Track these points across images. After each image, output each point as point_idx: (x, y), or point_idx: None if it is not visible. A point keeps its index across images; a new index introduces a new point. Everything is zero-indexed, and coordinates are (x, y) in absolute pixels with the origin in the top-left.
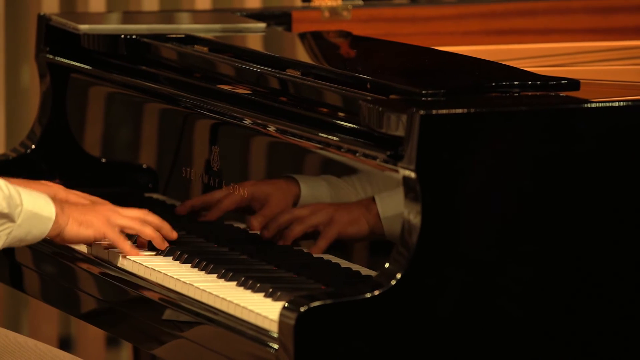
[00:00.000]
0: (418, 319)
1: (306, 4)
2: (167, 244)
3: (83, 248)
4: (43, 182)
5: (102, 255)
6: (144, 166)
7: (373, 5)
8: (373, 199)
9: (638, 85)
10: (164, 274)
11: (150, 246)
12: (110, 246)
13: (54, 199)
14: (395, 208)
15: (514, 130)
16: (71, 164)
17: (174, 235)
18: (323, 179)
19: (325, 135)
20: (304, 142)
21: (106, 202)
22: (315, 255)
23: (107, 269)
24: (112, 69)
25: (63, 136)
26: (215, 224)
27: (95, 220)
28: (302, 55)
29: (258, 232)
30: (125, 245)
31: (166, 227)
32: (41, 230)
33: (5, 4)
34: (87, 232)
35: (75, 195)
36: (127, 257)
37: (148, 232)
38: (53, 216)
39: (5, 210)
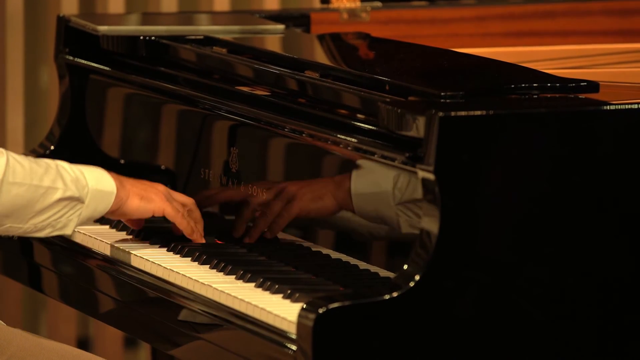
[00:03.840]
0: (436, 321)
1: (325, 6)
2: (202, 240)
3: (101, 248)
4: None
5: (120, 256)
6: (162, 167)
7: (392, 7)
8: (349, 176)
9: None
10: (183, 274)
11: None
12: (123, 241)
13: (110, 173)
14: (368, 187)
15: (532, 132)
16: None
17: (201, 240)
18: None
19: (343, 137)
20: (322, 143)
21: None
22: (333, 257)
23: (125, 269)
24: (131, 70)
25: (82, 137)
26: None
27: (155, 196)
28: (320, 56)
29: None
30: (184, 222)
31: (200, 228)
32: (105, 204)
33: (25, 5)
34: (148, 207)
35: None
36: (145, 258)
37: (185, 226)
38: (115, 190)
39: (76, 194)
